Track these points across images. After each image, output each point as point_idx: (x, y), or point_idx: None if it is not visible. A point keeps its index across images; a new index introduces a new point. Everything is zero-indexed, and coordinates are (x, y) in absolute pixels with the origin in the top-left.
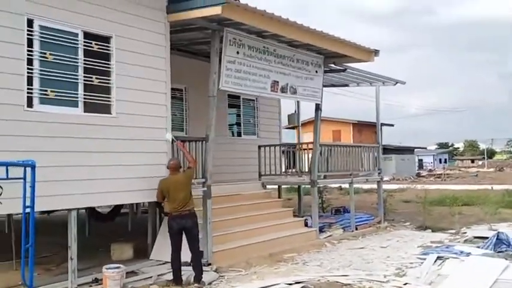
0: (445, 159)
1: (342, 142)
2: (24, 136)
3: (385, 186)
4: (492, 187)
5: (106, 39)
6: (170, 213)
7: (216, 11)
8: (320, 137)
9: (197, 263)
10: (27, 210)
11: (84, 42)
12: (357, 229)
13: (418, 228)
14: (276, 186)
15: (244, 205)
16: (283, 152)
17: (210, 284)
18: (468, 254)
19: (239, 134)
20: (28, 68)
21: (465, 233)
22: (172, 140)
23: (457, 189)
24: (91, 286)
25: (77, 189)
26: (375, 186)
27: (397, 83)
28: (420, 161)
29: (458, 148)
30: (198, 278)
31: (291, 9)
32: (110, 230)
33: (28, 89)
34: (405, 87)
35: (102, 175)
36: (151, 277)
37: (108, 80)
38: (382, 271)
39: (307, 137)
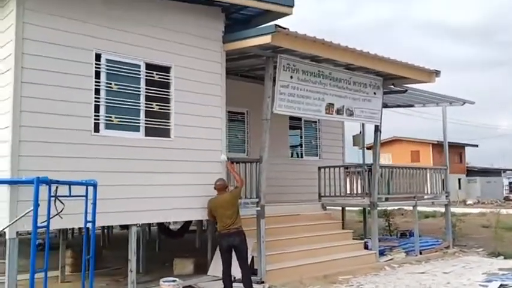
0: None
1: (403, 164)
2: (91, 158)
3: (464, 210)
4: None
5: (166, 69)
6: (219, 231)
7: (265, 40)
8: (395, 158)
9: (247, 280)
10: (88, 225)
11: (146, 72)
12: (421, 253)
13: (490, 254)
14: (340, 208)
15: (302, 226)
16: (347, 173)
17: None
18: None
19: (301, 155)
20: (95, 97)
21: None
22: (226, 163)
23: None
24: None
25: (134, 206)
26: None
27: (464, 103)
28: (511, 183)
29: None
30: None
31: (373, 27)
32: (179, 245)
33: (95, 115)
34: (492, 107)
35: (159, 193)
36: None
37: (168, 106)
38: None
39: (382, 158)
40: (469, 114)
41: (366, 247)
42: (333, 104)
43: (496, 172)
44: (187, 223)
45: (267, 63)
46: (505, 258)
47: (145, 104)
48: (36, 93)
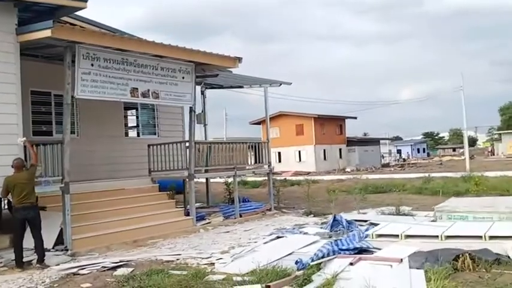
0: (424, 149)
1: (222, 140)
2: None
3: (327, 178)
4: (429, 175)
5: None
6: (15, 205)
7: (47, 33)
8: (282, 132)
9: (39, 247)
10: None
11: None
12: (241, 216)
13: (304, 214)
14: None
15: (125, 198)
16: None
17: (58, 265)
18: (305, 233)
19: (138, 135)
20: None
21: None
22: (24, 142)
23: (396, 178)
24: None
25: None
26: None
27: (281, 84)
28: (399, 151)
29: (444, 137)
30: (40, 260)
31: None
32: None
33: None
34: (396, 79)
35: None
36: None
37: None
38: (215, 250)
39: (272, 131)
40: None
41: (188, 214)
42: (137, 88)
43: (374, 141)
44: None
45: (65, 53)
46: (314, 216)
47: None
48: None
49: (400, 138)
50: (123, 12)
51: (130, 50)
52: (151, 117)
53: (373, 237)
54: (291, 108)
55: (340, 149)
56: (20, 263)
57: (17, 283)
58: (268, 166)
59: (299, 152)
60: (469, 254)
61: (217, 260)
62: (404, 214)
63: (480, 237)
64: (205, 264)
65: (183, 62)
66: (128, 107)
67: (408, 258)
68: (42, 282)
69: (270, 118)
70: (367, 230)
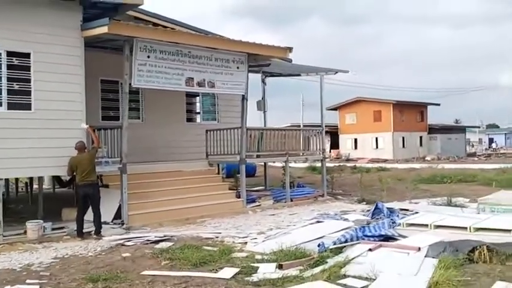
0: None
1: (274, 127)
2: None
3: (402, 166)
4: (506, 166)
5: (26, 55)
6: (77, 183)
7: (104, 30)
8: (359, 117)
9: (97, 220)
10: None
11: (7, 58)
12: (291, 201)
13: (357, 201)
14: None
15: (182, 179)
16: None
17: (111, 236)
18: (345, 219)
19: (198, 120)
20: None
21: None
22: (87, 129)
23: (471, 168)
24: (19, 235)
25: (3, 164)
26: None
27: (337, 72)
28: (491, 140)
29: None
30: (96, 232)
31: None
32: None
33: None
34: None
35: (20, 155)
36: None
37: (29, 85)
38: (254, 230)
39: (348, 118)
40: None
41: (239, 196)
42: (192, 78)
43: (459, 129)
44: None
45: (124, 46)
46: (366, 204)
47: (7, 84)
48: None
49: (497, 126)
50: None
51: (183, 43)
52: (212, 104)
53: (403, 226)
54: (374, 95)
55: (420, 137)
56: (81, 233)
57: (73, 250)
58: (322, 153)
59: (376, 138)
60: (487, 247)
61: (251, 239)
62: (455, 205)
63: (510, 231)
64: (239, 243)
65: (236, 52)
66: (191, 94)
67: (428, 247)
68: (94, 250)
69: (347, 104)
70: (402, 218)
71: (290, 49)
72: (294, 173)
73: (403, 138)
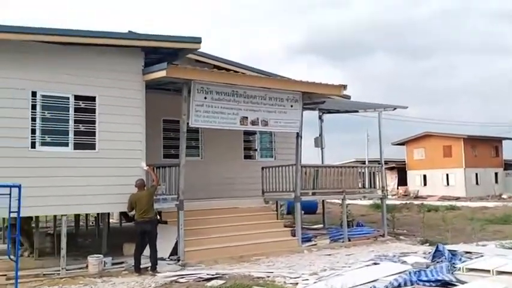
0: None
1: (329, 164)
2: (29, 167)
3: (473, 204)
4: None
5: (92, 99)
6: (136, 219)
7: (162, 74)
8: (428, 153)
9: (153, 256)
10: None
11: (75, 102)
12: (349, 240)
13: (420, 242)
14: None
15: (237, 216)
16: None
17: (165, 272)
18: (403, 262)
19: (255, 157)
20: (32, 123)
21: None
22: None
23: None
24: (81, 269)
25: (63, 201)
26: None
27: (395, 108)
28: None
29: None
30: (152, 268)
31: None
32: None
33: (32, 136)
34: None
35: (85, 192)
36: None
37: (93, 126)
38: (307, 271)
39: (417, 153)
40: None
41: (294, 234)
42: (246, 117)
43: None
44: None
45: (182, 88)
46: (429, 245)
47: (74, 126)
48: None
49: None
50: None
51: (239, 84)
52: (269, 141)
53: (463, 271)
54: (441, 129)
55: (496, 173)
56: (138, 269)
57: (129, 285)
58: (382, 191)
59: (447, 175)
60: None
61: (303, 280)
62: None
63: None
64: (291, 283)
65: (290, 91)
66: (249, 132)
67: None
68: (149, 286)
69: (415, 139)
70: (464, 261)
71: (344, 87)
72: (358, 210)
73: (476, 174)
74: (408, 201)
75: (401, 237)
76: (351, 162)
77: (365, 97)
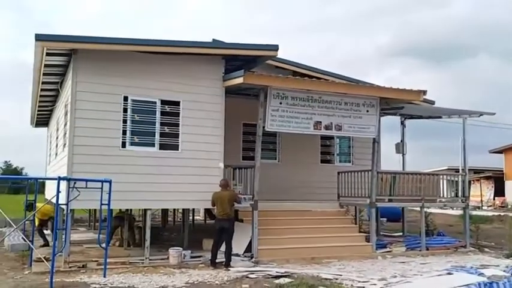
0: None
1: (408, 170)
2: (119, 165)
3: None
4: None
5: (176, 103)
6: (216, 216)
7: (240, 80)
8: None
9: (227, 252)
10: (104, 207)
11: (161, 106)
12: (427, 249)
13: (504, 256)
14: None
15: (312, 219)
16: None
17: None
18: (480, 274)
19: (332, 162)
20: (123, 125)
21: None
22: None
23: None
24: (162, 260)
25: (148, 196)
26: None
27: (481, 114)
28: None
29: None
30: (226, 263)
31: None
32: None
33: (122, 137)
34: None
35: (168, 189)
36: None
37: (177, 128)
38: (376, 276)
39: None
40: None
41: (369, 240)
42: (320, 122)
43: None
44: None
45: (259, 93)
46: None
47: (160, 128)
48: (84, 123)
49: None
50: (372, 39)
51: (314, 89)
52: (347, 146)
53: None
54: None
55: None
56: (213, 263)
57: (204, 277)
58: (464, 201)
59: None
60: None
61: (370, 285)
62: None
63: None
64: (357, 287)
65: (366, 96)
66: (326, 137)
67: None
68: (221, 279)
69: (506, 149)
70: None
71: (424, 92)
72: (446, 220)
73: None
74: (503, 213)
75: (486, 249)
76: (443, 170)
77: (465, 101)
